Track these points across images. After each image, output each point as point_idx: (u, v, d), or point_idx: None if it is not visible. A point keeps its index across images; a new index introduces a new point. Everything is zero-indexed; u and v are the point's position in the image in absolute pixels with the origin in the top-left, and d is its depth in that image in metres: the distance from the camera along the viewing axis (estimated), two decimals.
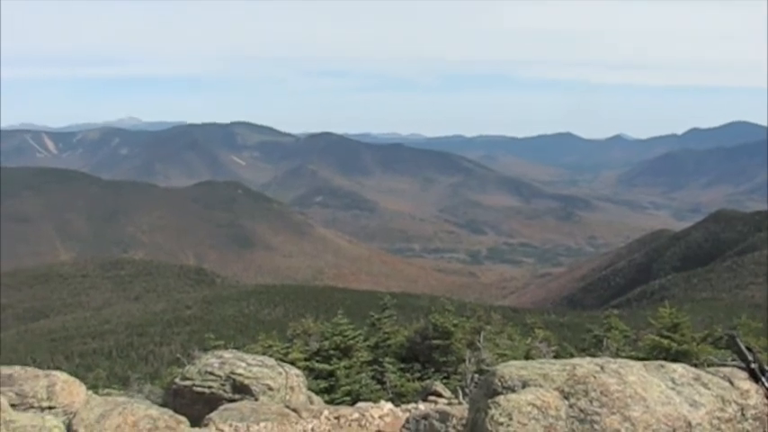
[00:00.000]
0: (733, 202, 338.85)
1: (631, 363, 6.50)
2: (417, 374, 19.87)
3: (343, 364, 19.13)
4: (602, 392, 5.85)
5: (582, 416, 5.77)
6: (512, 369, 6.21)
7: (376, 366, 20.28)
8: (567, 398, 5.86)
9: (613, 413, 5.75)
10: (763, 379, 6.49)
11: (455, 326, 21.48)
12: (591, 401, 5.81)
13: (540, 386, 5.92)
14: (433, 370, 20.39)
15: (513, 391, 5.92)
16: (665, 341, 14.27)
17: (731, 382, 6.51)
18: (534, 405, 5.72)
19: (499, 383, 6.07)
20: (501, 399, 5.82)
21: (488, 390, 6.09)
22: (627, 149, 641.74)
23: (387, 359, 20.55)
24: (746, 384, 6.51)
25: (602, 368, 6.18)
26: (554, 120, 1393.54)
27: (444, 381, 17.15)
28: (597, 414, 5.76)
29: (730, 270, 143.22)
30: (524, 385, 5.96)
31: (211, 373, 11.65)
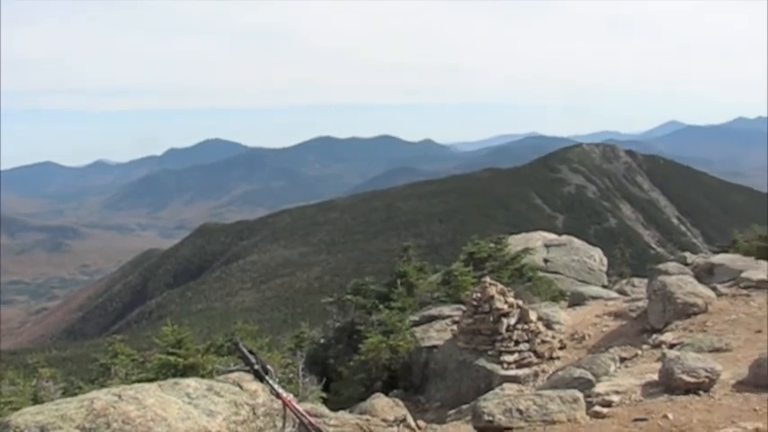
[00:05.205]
0: (215, 216, 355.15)
1: (147, 386, 6.62)
2: None
3: None
4: (123, 421, 5.87)
5: None
6: (27, 417, 5.90)
7: None
8: None
9: None
10: (267, 378, 7.08)
11: None
12: None
13: (60, 428, 5.75)
14: None
15: None
16: (172, 358, 14.61)
17: (240, 386, 7.01)
18: None
19: None
20: None
21: None
22: (109, 174, 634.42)
23: None
24: (254, 385, 7.07)
25: (119, 397, 6.20)
26: (34, 150, 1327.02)
27: None
28: None
29: (220, 280, 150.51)
30: (43, 431, 5.73)
31: None
